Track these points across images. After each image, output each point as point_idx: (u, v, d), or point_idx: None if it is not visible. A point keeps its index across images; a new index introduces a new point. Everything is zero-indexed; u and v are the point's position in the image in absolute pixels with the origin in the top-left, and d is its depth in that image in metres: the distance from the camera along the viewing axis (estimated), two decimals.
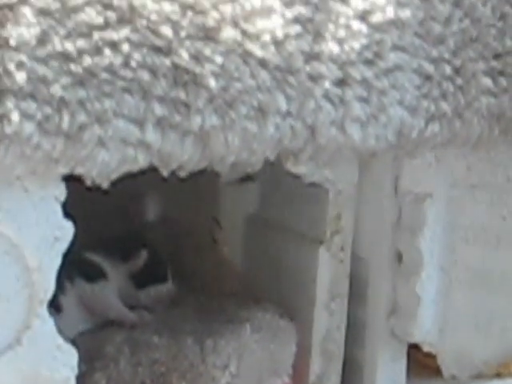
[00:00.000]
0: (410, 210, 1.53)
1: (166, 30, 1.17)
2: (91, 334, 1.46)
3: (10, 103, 1.09)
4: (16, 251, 1.20)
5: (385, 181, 1.54)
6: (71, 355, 1.27)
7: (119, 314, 1.51)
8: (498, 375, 1.67)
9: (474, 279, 1.57)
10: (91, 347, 1.40)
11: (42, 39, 1.11)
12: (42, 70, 1.11)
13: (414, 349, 1.60)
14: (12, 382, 1.24)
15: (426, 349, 1.58)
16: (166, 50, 1.17)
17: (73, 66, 1.12)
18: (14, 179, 1.17)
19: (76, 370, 1.27)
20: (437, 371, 1.62)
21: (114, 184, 1.23)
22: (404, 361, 1.61)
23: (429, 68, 1.36)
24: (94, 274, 1.50)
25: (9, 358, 1.23)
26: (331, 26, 1.27)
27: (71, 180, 1.22)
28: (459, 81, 1.39)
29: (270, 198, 1.63)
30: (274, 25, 1.23)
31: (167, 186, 1.39)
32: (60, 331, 1.28)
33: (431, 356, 1.60)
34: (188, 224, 1.70)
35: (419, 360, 1.63)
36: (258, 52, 1.22)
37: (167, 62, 1.18)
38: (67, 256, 1.25)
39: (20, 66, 1.10)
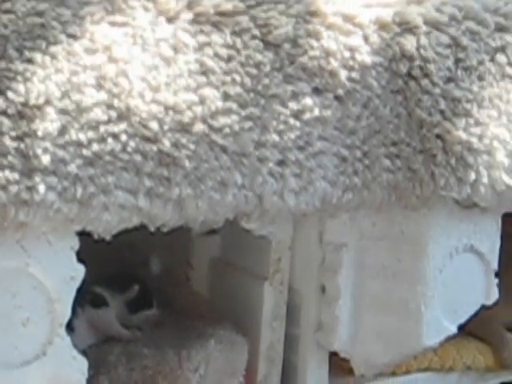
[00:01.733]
0: (331, 255, 1.54)
1: (153, 125, 1.18)
2: (96, 347, 1.48)
3: (37, 178, 1.09)
4: (42, 287, 1.22)
5: (313, 234, 1.55)
6: (83, 363, 1.29)
7: (117, 332, 1.52)
8: (394, 373, 1.66)
9: (377, 304, 1.57)
10: (97, 357, 1.42)
11: (62, 131, 1.12)
12: (61, 153, 1.12)
13: (334, 355, 1.60)
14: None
15: (342, 355, 1.58)
16: (153, 140, 1.18)
17: (84, 151, 1.13)
18: (40, 234, 1.18)
19: (86, 375, 1.29)
20: (350, 371, 1.61)
21: (114, 236, 1.24)
22: (327, 364, 1.61)
23: (344, 152, 1.36)
24: (98, 303, 1.51)
25: (37, 366, 1.25)
26: (274, 122, 1.28)
27: (83, 234, 1.23)
28: (366, 161, 1.39)
29: (229, 245, 1.66)
30: (232, 121, 1.24)
31: (153, 237, 1.38)
32: (74, 345, 1.30)
33: (346, 360, 1.60)
34: (168, 265, 1.72)
35: (338, 363, 1.62)
36: (220, 141, 1.23)
37: (154, 148, 1.19)
38: (79, 289, 1.27)
39: (45, 150, 1.10)
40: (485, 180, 1.44)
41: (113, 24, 1.21)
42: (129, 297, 1.54)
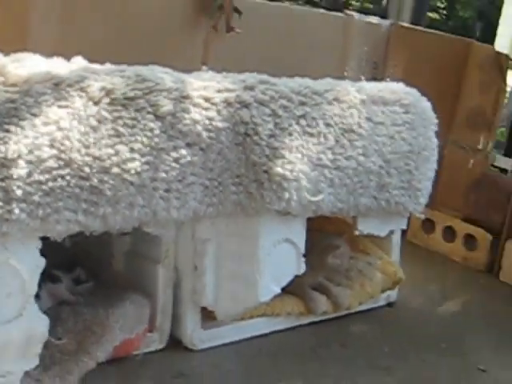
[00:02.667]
0: (200, 246, 1.75)
1: (86, 169, 1.42)
2: (54, 309, 1.66)
3: (14, 205, 1.33)
4: (18, 273, 1.43)
5: (188, 233, 1.75)
6: (46, 320, 1.49)
7: (68, 298, 1.72)
8: (242, 318, 1.87)
9: (230, 277, 1.78)
10: (54, 315, 1.60)
11: (29, 174, 1.35)
12: (28, 189, 1.34)
13: (204, 309, 1.79)
14: (18, 337, 1.46)
15: (209, 309, 1.80)
16: (86, 178, 1.43)
17: (43, 187, 1.36)
18: (16, 239, 1.39)
19: (48, 327, 1.48)
20: (214, 318, 1.81)
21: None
22: (199, 315, 1.81)
23: (207, 183, 1.62)
24: (55, 280, 1.70)
25: (16, 323, 1.45)
26: (162, 165, 1.53)
27: (45, 238, 1.45)
28: (221, 188, 1.65)
29: (136, 242, 1.79)
30: (135, 165, 1.49)
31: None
32: (40, 308, 1.49)
33: (212, 312, 1.79)
34: (101, 256, 1.85)
35: (206, 314, 1.81)
36: (129, 178, 1.47)
37: (87, 184, 1.42)
38: (42, 272, 1.47)
39: (18, 187, 1.33)
40: (295, 198, 1.73)
41: (60, 106, 1.44)
42: (74, 275, 1.76)
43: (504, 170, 2.99)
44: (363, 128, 1.89)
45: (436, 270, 2.71)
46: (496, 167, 3.01)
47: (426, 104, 2.08)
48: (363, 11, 2.95)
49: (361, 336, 2.10)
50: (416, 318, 2.30)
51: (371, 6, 8.46)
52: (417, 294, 2.42)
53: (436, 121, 2.10)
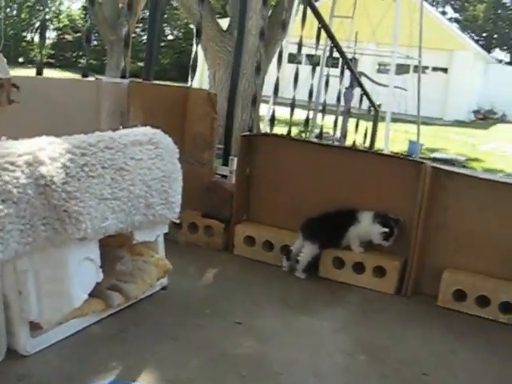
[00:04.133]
0: (22, 276, 1.94)
1: None
2: None
3: None
4: None
5: (11, 267, 1.92)
6: None
7: None
8: (60, 323, 2.05)
9: (48, 292, 1.98)
10: None
11: None
12: None
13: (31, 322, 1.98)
14: None
15: (35, 321, 1.97)
16: None
17: None
18: None
19: None
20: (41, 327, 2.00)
21: None
22: (28, 327, 1.99)
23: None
24: None
25: None
26: None
27: None
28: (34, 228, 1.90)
29: None
30: None
31: None
32: None
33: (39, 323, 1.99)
34: None
35: (35, 325, 2.00)
36: None
37: None
38: None
39: None
40: (89, 227, 1.98)
41: None
42: None
43: (224, 176, 3.56)
44: (129, 165, 2.19)
45: (191, 256, 3.10)
46: (219, 174, 3.57)
47: (168, 139, 2.42)
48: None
49: (149, 316, 2.38)
50: (184, 294, 2.63)
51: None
52: (181, 277, 2.74)
53: (177, 150, 2.44)
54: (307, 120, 4.87)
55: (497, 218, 2.85)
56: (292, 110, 4.10)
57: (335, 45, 4.58)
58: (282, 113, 3.70)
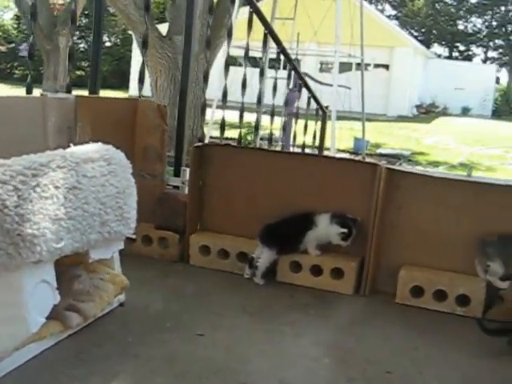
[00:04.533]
0: None
1: None
2: None
3: None
4: None
5: None
6: None
7: None
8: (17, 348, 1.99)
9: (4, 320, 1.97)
10: None
11: None
12: None
13: None
14: None
15: None
16: None
17: None
18: None
19: None
20: None
21: None
22: None
23: None
24: None
25: None
26: None
27: None
28: None
29: None
30: None
31: None
32: None
33: None
34: None
35: None
36: None
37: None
38: None
39: None
40: (44, 249, 1.95)
41: None
42: None
43: (176, 187, 3.57)
44: (82, 183, 2.17)
45: (147, 270, 3.08)
46: (171, 185, 3.57)
47: (121, 155, 2.41)
48: None
49: (108, 334, 2.35)
50: (143, 309, 2.61)
51: None
52: (138, 291, 2.70)
53: (130, 165, 2.44)
54: (257, 126, 4.92)
55: (449, 215, 2.94)
56: (241, 115, 4.14)
57: (282, 50, 4.64)
58: (226, 117, 3.77)
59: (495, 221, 2.86)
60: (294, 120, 6.45)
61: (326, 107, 7.08)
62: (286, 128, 7.81)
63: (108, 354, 2.22)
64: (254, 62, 8.77)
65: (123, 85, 23.91)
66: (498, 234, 2.75)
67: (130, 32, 19.56)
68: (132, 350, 2.26)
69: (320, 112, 6.61)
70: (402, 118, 22.44)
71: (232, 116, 4.25)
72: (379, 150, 15.36)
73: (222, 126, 4.07)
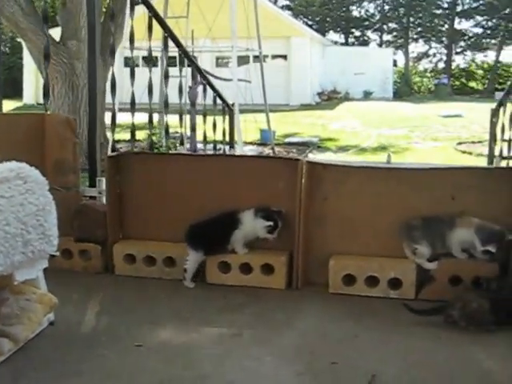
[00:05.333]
0: None
1: None
2: None
3: None
4: None
5: None
6: None
7: None
8: None
9: None
10: None
11: None
12: None
13: None
14: None
15: None
16: None
17: None
18: None
19: None
20: None
21: None
22: None
23: None
24: None
25: None
26: None
27: None
28: None
29: None
30: None
31: None
32: None
33: None
34: None
35: None
36: None
37: None
38: None
39: None
40: None
41: None
42: None
43: (93, 197, 3.53)
44: (1, 205, 2.14)
45: (71, 284, 3.05)
46: (87, 196, 3.52)
47: (36, 172, 2.37)
48: None
49: (44, 355, 2.30)
50: (75, 325, 2.59)
51: None
52: (66, 308, 2.68)
53: (47, 182, 2.40)
54: (167, 129, 4.94)
55: (374, 202, 3.07)
56: (151, 120, 4.15)
57: (183, 52, 4.67)
58: (125, 118, 3.77)
59: (418, 204, 2.99)
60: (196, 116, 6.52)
61: (232, 104, 7.16)
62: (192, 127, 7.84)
63: (48, 375, 2.18)
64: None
65: (17, 93, 23.18)
66: (422, 216, 2.88)
67: (18, 39, 18.94)
68: (72, 368, 2.23)
69: (226, 108, 6.68)
70: (305, 107, 22.87)
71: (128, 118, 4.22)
72: (288, 139, 15.61)
73: (133, 131, 4.07)
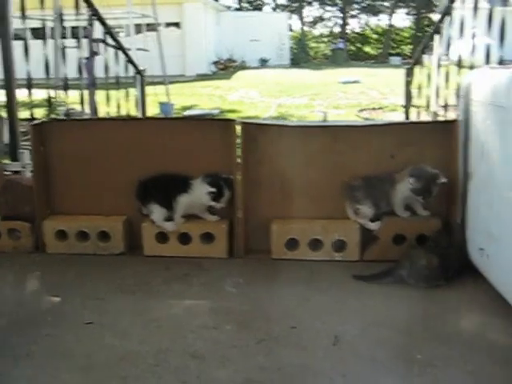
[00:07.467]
0: None
1: None
2: None
3: None
4: None
5: None
6: None
7: None
8: None
9: None
10: None
11: None
12: None
13: None
14: None
15: None
16: None
17: None
18: None
19: None
20: None
21: None
22: None
23: None
24: None
25: None
26: None
27: None
28: None
29: None
30: None
31: None
32: None
33: None
34: None
35: None
36: None
37: None
38: None
39: None
40: None
41: None
42: None
43: (17, 172, 3.38)
44: None
45: (3, 267, 2.96)
46: (10, 171, 3.37)
47: None
48: None
49: None
50: (15, 307, 2.52)
51: None
52: (1, 291, 2.63)
53: None
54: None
55: (311, 161, 3.08)
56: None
57: (94, 13, 4.50)
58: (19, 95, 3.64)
59: (357, 163, 3.04)
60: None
61: (144, 70, 6.96)
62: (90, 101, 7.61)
63: None
64: (36, 34, 8.32)
65: None
66: (363, 176, 2.94)
67: None
68: (23, 350, 2.17)
69: (138, 77, 6.49)
70: (201, 77, 22.62)
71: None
72: (187, 112, 15.42)
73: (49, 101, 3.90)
